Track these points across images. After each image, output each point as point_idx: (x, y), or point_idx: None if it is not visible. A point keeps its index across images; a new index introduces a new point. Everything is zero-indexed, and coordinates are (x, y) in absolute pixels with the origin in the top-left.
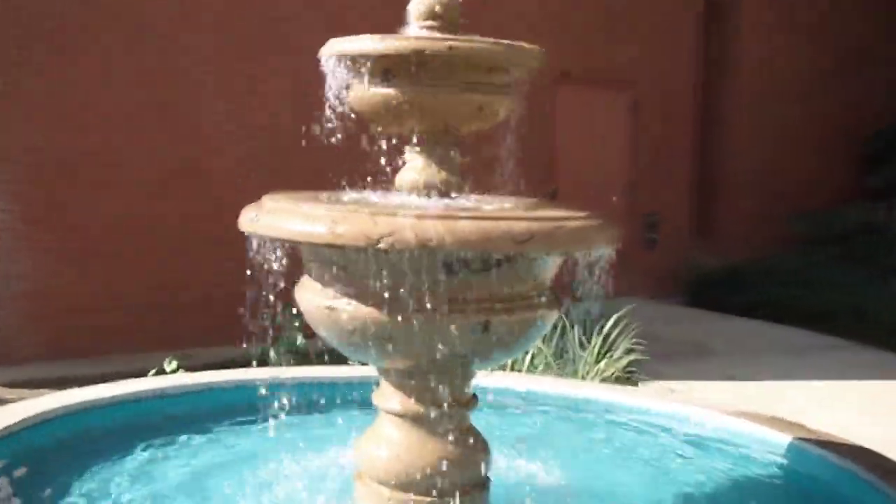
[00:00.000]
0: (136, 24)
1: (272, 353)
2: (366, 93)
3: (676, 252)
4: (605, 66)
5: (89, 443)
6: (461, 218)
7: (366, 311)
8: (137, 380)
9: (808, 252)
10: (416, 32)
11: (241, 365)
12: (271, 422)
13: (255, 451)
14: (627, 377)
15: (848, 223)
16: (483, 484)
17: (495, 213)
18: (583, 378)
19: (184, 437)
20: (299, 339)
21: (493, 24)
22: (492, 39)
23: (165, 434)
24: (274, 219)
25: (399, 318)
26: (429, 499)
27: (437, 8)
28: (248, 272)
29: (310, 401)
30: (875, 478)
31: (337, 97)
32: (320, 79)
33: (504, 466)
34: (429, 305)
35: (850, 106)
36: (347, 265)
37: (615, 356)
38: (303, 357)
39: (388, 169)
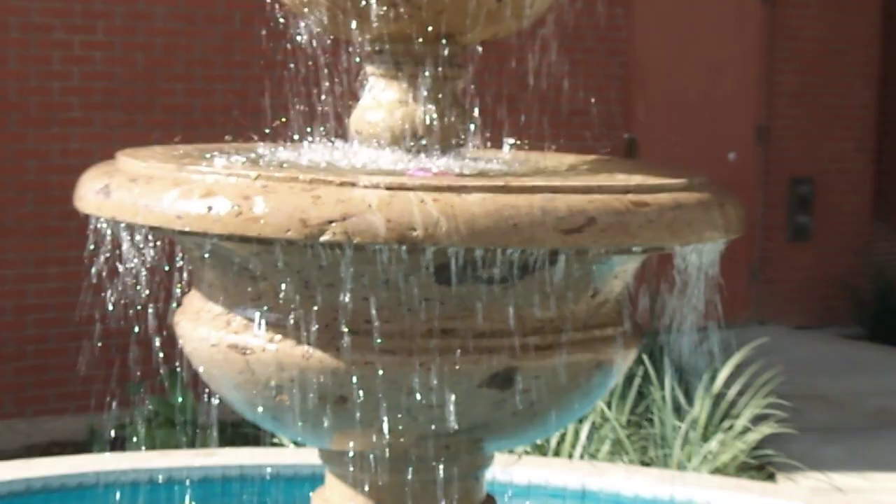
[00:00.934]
0: None
1: (133, 426)
2: None
3: (845, 247)
4: None
5: None
6: (467, 190)
7: (300, 353)
8: None
9: None
10: None
11: (76, 447)
12: None
13: None
14: (758, 465)
15: None
16: None
17: (525, 181)
18: (681, 468)
19: None
20: (180, 399)
21: None
22: None
23: None
24: (138, 192)
25: (359, 364)
26: None
27: None
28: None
29: None
30: None
31: None
32: None
33: None
34: (409, 341)
35: None
36: (269, 273)
37: (737, 428)
38: (187, 431)
39: (339, 106)
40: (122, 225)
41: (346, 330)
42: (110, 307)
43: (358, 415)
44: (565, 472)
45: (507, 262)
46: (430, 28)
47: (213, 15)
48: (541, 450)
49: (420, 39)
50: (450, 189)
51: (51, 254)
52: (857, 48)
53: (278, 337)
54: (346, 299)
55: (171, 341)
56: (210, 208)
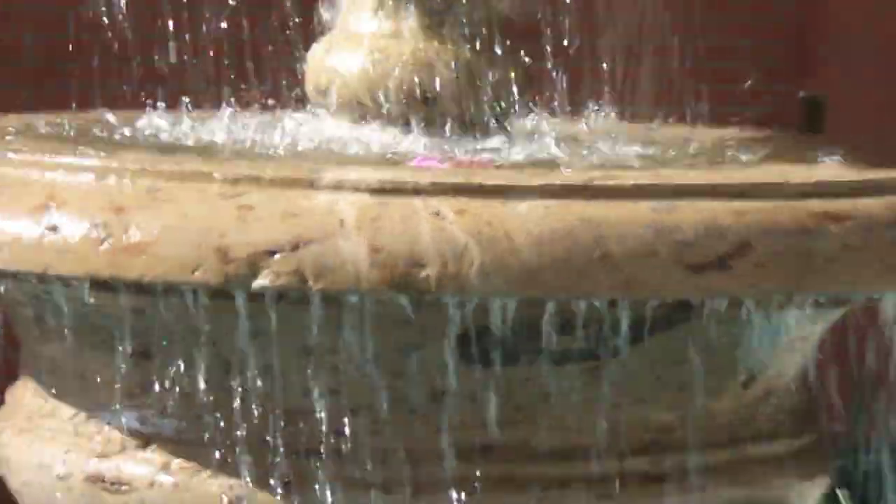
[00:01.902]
0: None
1: None
2: None
3: None
4: None
5: None
6: (517, 193)
7: (218, 491)
8: None
9: None
10: None
11: None
12: None
13: None
14: None
15: None
16: None
17: (624, 177)
18: None
19: None
20: None
21: None
22: None
23: None
24: None
25: None
26: None
27: None
28: None
29: None
30: None
31: None
32: None
33: None
34: (415, 469)
35: None
36: (162, 346)
37: None
38: None
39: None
40: None
41: (300, 451)
42: None
43: None
44: None
45: (590, 325)
46: None
47: None
48: None
49: None
50: (486, 192)
51: None
52: None
53: (177, 462)
54: (302, 393)
55: None
56: (53, 230)
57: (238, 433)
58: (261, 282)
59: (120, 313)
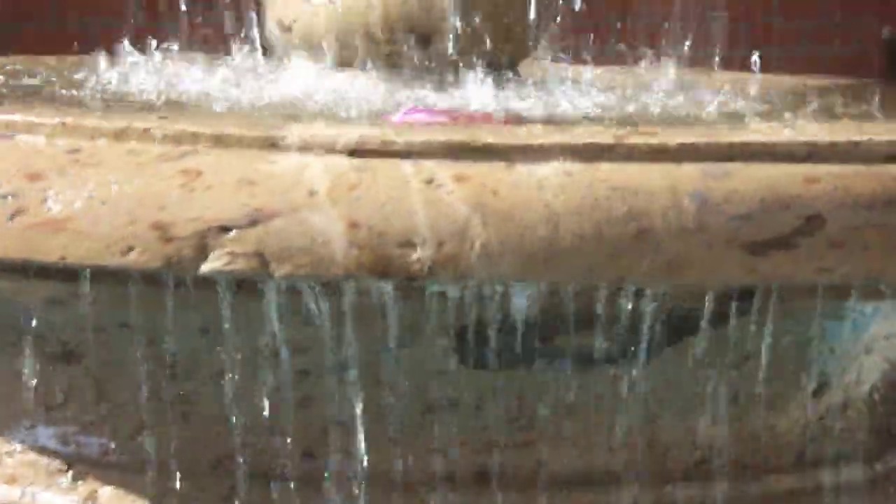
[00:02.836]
0: None
1: None
2: None
3: None
4: None
5: None
6: (532, 153)
7: None
8: None
9: None
10: None
11: None
12: None
13: None
14: None
15: None
16: None
17: (665, 134)
18: None
19: None
20: None
21: None
22: None
23: None
24: None
25: None
26: None
27: None
28: None
29: None
30: None
31: None
32: None
33: None
34: (407, 496)
35: None
36: (87, 346)
37: None
38: None
39: None
40: None
41: (261, 477)
42: None
43: None
44: None
45: (620, 319)
46: None
47: None
48: None
49: None
50: (492, 153)
51: None
52: None
53: (106, 492)
54: (263, 403)
55: None
56: None
57: (184, 455)
58: (211, 265)
59: (34, 305)
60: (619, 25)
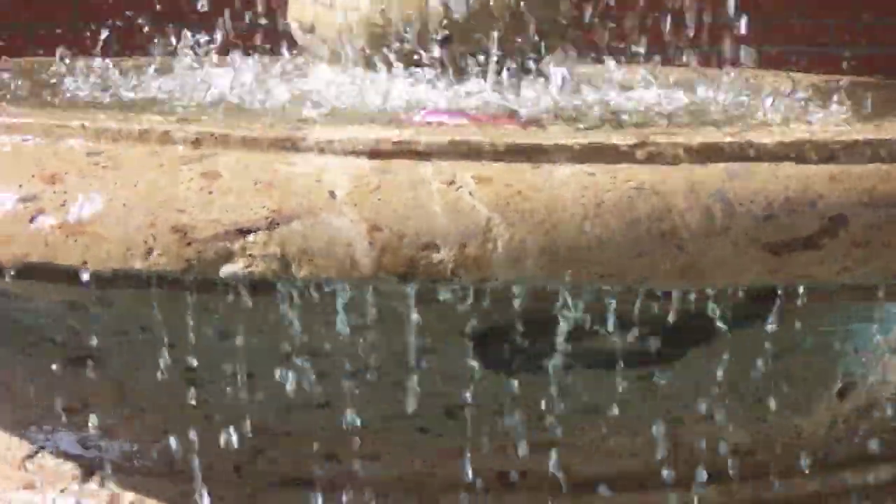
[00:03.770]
0: None
1: None
2: None
3: None
4: None
5: None
6: (551, 154)
7: None
8: None
9: None
10: None
11: None
12: None
13: None
14: None
15: None
16: None
17: (687, 135)
18: None
19: None
20: None
21: None
22: None
23: None
24: None
25: None
26: None
27: None
28: None
29: None
30: None
31: None
32: None
33: None
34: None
35: None
36: (109, 350)
37: None
38: None
39: None
40: None
41: (283, 481)
42: None
43: None
44: None
45: (644, 321)
46: None
47: None
48: None
49: None
50: (515, 154)
51: None
52: None
53: (128, 496)
54: (284, 406)
55: None
56: None
57: (205, 459)
58: (230, 268)
59: (54, 309)
60: (632, 25)
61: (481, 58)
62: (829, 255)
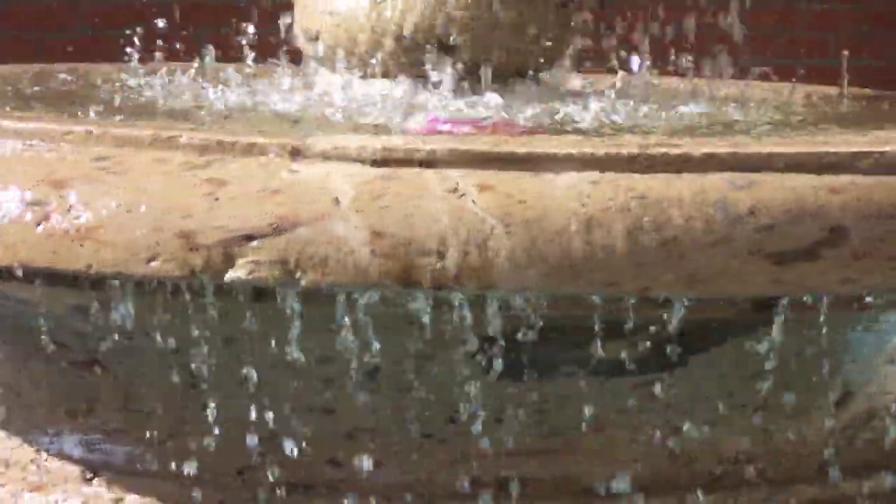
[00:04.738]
0: None
1: None
2: None
3: None
4: None
5: None
6: (553, 163)
7: None
8: None
9: None
10: None
11: None
12: None
13: None
14: None
15: None
16: None
17: (689, 145)
18: None
19: None
20: None
21: None
22: None
23: None
24: None
25: None
26: None
27: None
28: None
29: None
30: None
31: None
32: None
33: None
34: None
35: None
36: (112, 353)
37: None
38: None
39: None
40: None
41: (286, 485)
42: None
43: None
44: None
45: (645, 330)
46: None
47: None
48: None
49: None
50: (517, 162)
51: None
52: None
53: (132, 499)
54: (288, 413)
55: None
56: None
57: (208, 462)
58: (235, 274)
59: (60, 312)
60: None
61: (485, 66)
62: (830, 266)
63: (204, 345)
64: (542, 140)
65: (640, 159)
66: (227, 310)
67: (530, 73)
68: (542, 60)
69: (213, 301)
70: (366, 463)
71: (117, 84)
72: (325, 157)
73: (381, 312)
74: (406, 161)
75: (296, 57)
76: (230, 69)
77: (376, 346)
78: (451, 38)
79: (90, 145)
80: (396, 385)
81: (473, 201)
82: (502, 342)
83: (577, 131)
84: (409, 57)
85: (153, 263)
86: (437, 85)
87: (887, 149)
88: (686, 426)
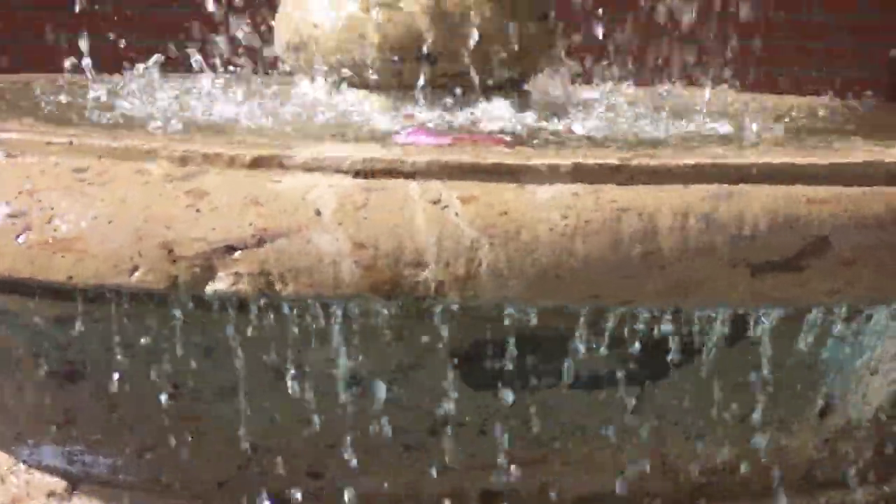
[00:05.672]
0: None
1: None
2: None
3: None
4: None
5: None
6: (536, 174)
7: None
8: None
9: None
10: None
11: None
12: None
13: None
14: None
15: None
16: None
17: (671, 157)
18: None
19: None
20: None
21: None
22: None
23: None
24: None
25: None
26: None
27: None
28: None
29: None
30: None
31: None
32: None
33: None
34: None
35: None
36: (94, 364)
37: None
38: None
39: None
40: None
41: (268, 496)
42: None
43: None
44: None
45: (628, 341)
46: None
47: None
48: None
49: None
50: (499, 174)
51: None
52: None
53: None
54: (270, 424)
55: None
56: None
57: (189, 474)
58: (216, 286)
59: (40, 324)
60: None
61: (466, 78)
62: (813, 277)
63: (185, 355)
64: (524, 152)
65: (622, 171)
66: (208, 320)
67: (512, 84)
68: (523, 72)
69: (193, 311)
70: (347, 474)
71: (94, 94)
72: (307, 168)
73: (363, 323)
74: (388, 172)
75: (266, 66)
76: (204, 79)
77: (358, 356)
78: (433, 50)
79: (71, 156)
80: (377, 396)
81: (456, 213)
82: (484, 352)
83: (560, 143)
84: (392, 68)
85: (135, 275)
86: (418, 96)
87: (869, 159)
88: (669, 436)
